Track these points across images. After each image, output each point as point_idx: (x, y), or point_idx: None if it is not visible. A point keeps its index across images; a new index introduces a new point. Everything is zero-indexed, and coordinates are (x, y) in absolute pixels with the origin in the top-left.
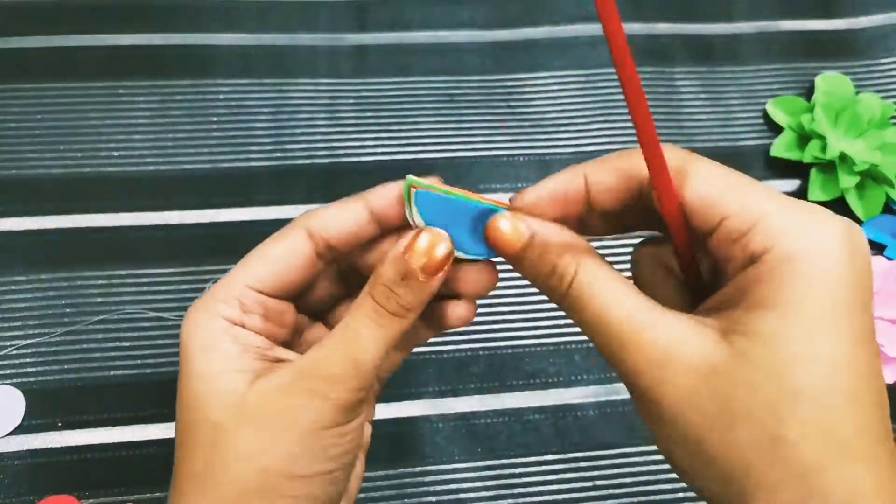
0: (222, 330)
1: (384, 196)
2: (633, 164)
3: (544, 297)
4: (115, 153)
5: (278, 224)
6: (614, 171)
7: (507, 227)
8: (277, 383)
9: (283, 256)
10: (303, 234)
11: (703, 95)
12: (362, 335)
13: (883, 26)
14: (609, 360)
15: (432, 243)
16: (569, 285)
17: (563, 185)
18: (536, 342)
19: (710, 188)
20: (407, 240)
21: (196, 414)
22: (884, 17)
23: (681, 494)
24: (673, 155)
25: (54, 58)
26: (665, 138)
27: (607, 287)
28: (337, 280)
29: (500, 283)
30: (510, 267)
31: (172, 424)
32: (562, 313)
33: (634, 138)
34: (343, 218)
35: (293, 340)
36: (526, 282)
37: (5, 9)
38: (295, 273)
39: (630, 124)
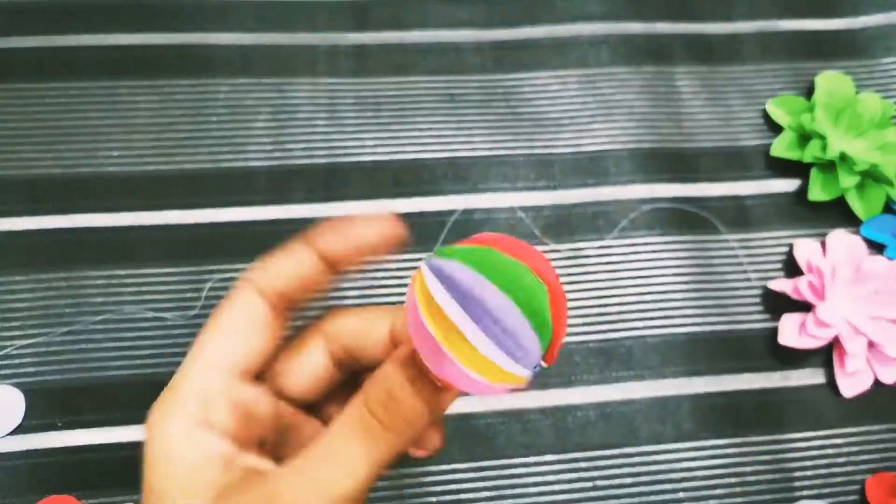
0: (183, 435)
1: (329, 237)
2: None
3: None
4: (115, 153)
5: (278, 224)
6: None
7: None
8: None
9: (233, 323)
10: (251, 293)
11: (703, 95)
12: (344, 458)
13: (883, 26)
14: None
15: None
16: None
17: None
18: None
19: None
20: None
21: None
22: (884, 17)
23: (681, 495)
24: None
25: (54, 57)
26: (665, 138)
27: None
28: (336, 367)
29: None
30: None
31: None
32: None
33: (636, 138)
34: (289, 265)
35: (289, 439)
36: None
37: (5, 9)
38: (256, 342)
39: (631, 124)
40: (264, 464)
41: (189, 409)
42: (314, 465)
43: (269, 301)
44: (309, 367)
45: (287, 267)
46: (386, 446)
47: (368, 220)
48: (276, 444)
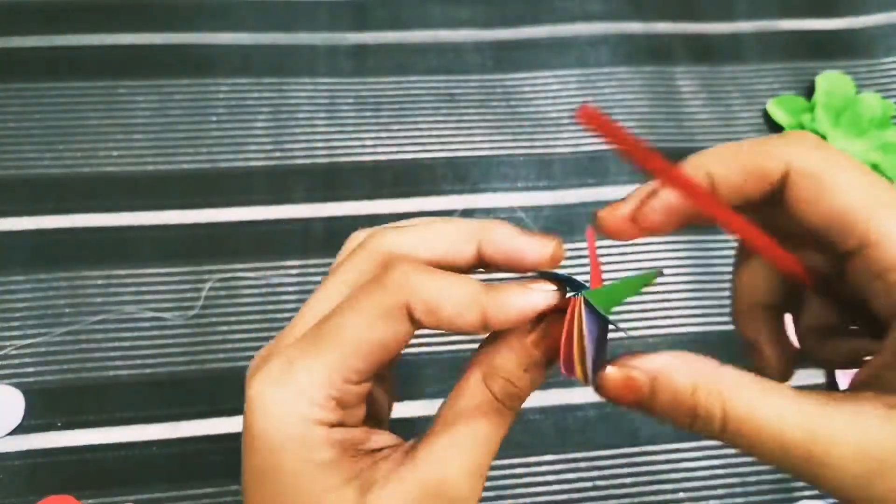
0: (321, 438)
1: (505, 313)
2: (765, 162)
3: None
4: (115, 153)
5: (278, 223)
6: (742, 172)
7: (618, 377)
8: (399, 501)
9: (382, 343)
10: (404, 316)
11: (703, 95)
12: (486, 440)
13: (883, 26)
14: (804, 480)
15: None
16: (721, 427)
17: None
18: None
19: (850, 202)
20: (532, 327)
21: None
22: (884, 17)
23: (681, 495)
24: (811, 158)
25: (54, 57)
26: (665, 138)
27: (768, 411)
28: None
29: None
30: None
31: (172, 424)
32: None
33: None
34: (453, 312)
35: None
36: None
37: (5, 8)
38: (392, 355)
39: (631, 124)
40: (383, 437)
41: (327, 415)
42: (464, 454)
43: (415, 325)
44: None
45: (448, 311)
46: (509, 419)
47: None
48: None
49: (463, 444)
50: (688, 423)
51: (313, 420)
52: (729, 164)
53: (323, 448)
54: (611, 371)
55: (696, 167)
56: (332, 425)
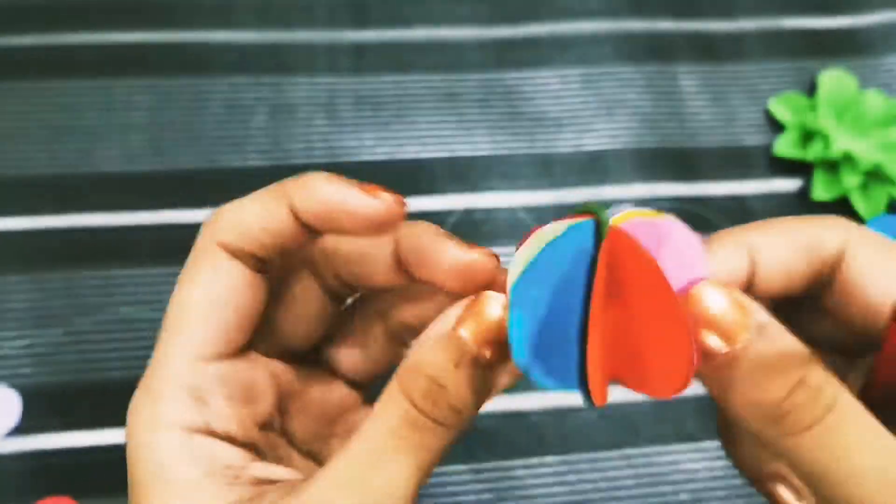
0: (177, 447)
1: (308, 197)
2: (817, 236)
3: None
4: (113, 152)
5: None
6: (794, 249)
7: (724, 302)
8: None
9: (209, 294)
10: (220, 254)
11: (705, 93)
12: (392, 465)
13: (887, 24)
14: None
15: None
16: (820, 417)
17: (727, 271)
18: None
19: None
20: (461, 308)
21: None
22: (888, 15)
23: (683, 496)
24: (869, 240)
25: (50, 56)
26: (667, 137)
27: (865, 428)
28: (332, 299)
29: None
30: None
31: None
32: None
33: (637, 137)
34: (258, 219)
35: (294, 404)
36: None
37: (1, 7)
38: (239, 311)
39: (633, 123)
40: (274, 470)
41: (179, 413)
42: (356, 476)
43: (244, 261)
44: (303, 310)
45: (256, 221)
46: (437, 442)
47: (358, 189)
48: (283, 414)
49: (354, 467)
50: (774, 396)
51: (163, 420)
52: (777, 238)
53: (178, 460)
54: (712, 292)
55: (738, 243)
56: (192, 429)
